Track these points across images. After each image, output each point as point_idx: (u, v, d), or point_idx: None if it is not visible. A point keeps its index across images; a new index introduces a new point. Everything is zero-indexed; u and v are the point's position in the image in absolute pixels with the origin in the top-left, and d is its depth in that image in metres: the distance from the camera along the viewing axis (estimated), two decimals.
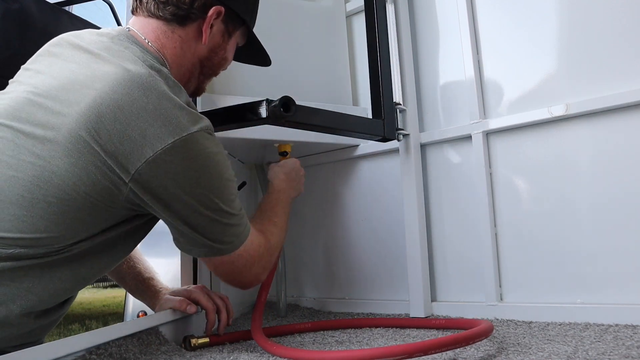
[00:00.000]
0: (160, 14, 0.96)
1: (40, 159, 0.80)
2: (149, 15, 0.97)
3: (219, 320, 1.12)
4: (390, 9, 1.42)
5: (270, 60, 1.17)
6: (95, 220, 0.85)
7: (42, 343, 0.96)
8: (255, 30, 1.14)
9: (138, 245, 1.06)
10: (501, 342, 0.97)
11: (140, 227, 0.96)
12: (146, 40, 0.95)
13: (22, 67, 0.96)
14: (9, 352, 0.85)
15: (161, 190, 0.83)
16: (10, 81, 0.95)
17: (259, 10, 1.13)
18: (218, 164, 0.89)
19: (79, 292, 1.00)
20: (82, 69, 0.86)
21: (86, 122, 0.79)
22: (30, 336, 0.91)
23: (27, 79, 0.91)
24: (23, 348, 0.87)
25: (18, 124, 0.83)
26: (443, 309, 1.32)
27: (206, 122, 0.88)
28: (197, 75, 1.04)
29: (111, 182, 0.82)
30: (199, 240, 0.91)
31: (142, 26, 0.97)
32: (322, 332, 1.22)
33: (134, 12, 1.00)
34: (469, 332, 0.88)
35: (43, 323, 0.91)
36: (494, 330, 1.03)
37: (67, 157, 0.80)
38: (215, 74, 1.09)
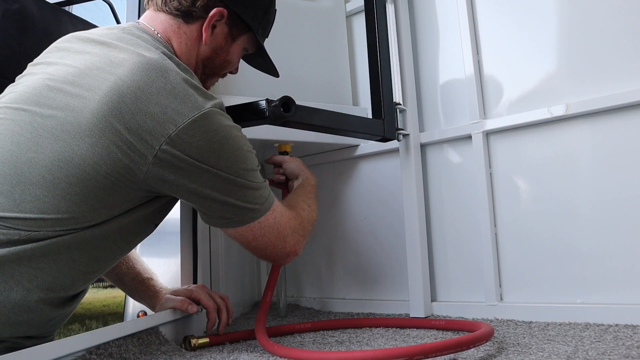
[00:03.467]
0: (166, 8, 1.00)
1: (60, 140, 0.82)
2: (158, 9, 1.01)
3: (219, 320, 1.12)
4: (390, 9, 1.42)
5: (279, 73, 1.19)
6: (116, 201, 0.87)
7: (53, 338, 0.97)
8: None
9: (137, 247, 1.07)
10: (501, 342, 0.97)
11: (155, 213, 0.97)
12: (155, 32, 0.99)
13: (30, 64, 0.98)
14: (24, 343, 0.86)
15: (186, 164, 0.85)
16: (18, 77, 0.97)
17: None
18: (237, 137, 0.91)
19: None
20: (97, 57, 0.89)
21: (108, 103, 0.82)
22: (45, 327, 0.92)
23: (40, 69, 0.93)
24: (38, 341, 0.89)
25: (37, 107, 0.85)
26: (443, 309, 1.32)
27: (219, 100, 0.90)
28: (199, 74, 1.06)
29: (132, 161, 0.83)
30: (230, 208, 0.92)
31: (152, 19, 1.01)
32: (322, 332, 1.22)
33: (145, 6, 1.04)
34: (470, 336, 0.88)
35: (57, 314, 0.92)
36: (494, 332, 1.03)
37: (89, 137, 0.81)
38: (218, 74, 1.11)
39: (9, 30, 1.22)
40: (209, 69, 1.07)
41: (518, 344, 0.95)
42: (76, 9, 1.67)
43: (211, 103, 0.87)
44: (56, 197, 0.82)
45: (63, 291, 0.89)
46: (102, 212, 0.86)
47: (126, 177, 0.84)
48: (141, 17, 1.03)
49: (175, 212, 1.13)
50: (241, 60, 1.19)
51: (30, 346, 0.72)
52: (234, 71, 1.14)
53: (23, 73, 0.96)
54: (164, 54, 0.91)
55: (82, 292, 0.98)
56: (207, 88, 1.12)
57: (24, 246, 0.82)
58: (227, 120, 0.91)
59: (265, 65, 1.17)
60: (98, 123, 0.81)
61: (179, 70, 0.88)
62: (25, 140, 0.83)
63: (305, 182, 1.25)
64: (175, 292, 1.14)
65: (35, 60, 0.97)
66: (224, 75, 1.13)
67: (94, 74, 0.85)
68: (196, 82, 0.90)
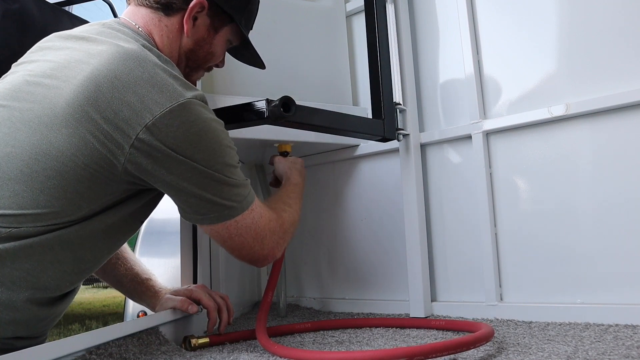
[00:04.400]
0: (147, 2, 1.00)
1: (37, 132, 0.82)
2: (138, 4, 1.01)
3: (219, 319, 1.12)
4: (390, 9, 1.42)
5: (265, 65, 1.18)
6: (95, 194, 0.86)
7: (45, 339, 0.96)
8: (256, 29, 1.14)
9: (137, 247, 1.06)
10: (501, 342, 0.97)
11: (140, 210, 0.97)
12: (136, 26, 0.99)
13: (14, 64, 0.97)
14: (14, 344, 0.86)
15: (163, 154, 0.84)
16: (1, 77, 0.97)
17: (260, 11, 1.13)
18: (216, 130, 0.90)
19: (79, 292, 1.00)
20: (76, 51, 0.89)
21: (84, 92, 0.81)
22: (35, 328, 0.91)
23: (22, 68, 0.93)
24: (29, 342, 0.88)
25: (15, 102, 0.85)
26: (443, 309, 1.32)
27: (200, 92, 0.89)
28: (183, 67, 1.05)
29: (109, 151, 0.82)
30: (205, 203, 0.90)
31: (133, 14, 1.01)
32: (322, 332, 1.22)
33: (127, 1, 1.04)
34: (470, 337, 0.88)
35: (46, 313, 0.91)
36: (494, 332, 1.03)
37: (65, 128, 0.81)
38: (203, 67, 1.10)
39: (9, 30, 1.22)
40: (193, 62, 1.06)
41: (518, 344, 0.95)
42: (76, 9, 1.67)
43: (191, 94, 0.86)
44: (35, 191, 0.81)
45: (50, 291, 0.88)
46: (82, 205, 0.85)
47: (104, 168, 0.83)
48: (122, 13, 1.03)
49: (175, 212, 1.13)
50: (235, 60, 1.19)
51: (21, 347, 0.71)
52: (220, 64, 1.13)
53: (7, 73, 0.96)
54: (144, 46, 0.91)
55: (72, 292, 0.97)
56: (193, 82, 1.11)
57: (5, 244, 0.81)
58: (208, 113, 0.90)
59: (252, 57, 1.16)
60: (74, 113, 0.81)
61: (158, 61, 0.87)
62: (3, 135, 0.83)
63: (287, 182, 1.24)
64: (175, 292, 1.14)
65: (19, 60, 0.97)
66: (209, 69, 1.13)
67: (72, 66, 0.85)
68: (177, 73, 0.90)
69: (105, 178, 0.85)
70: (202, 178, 0.88)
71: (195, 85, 1.13)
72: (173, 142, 0.84)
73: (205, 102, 0.91)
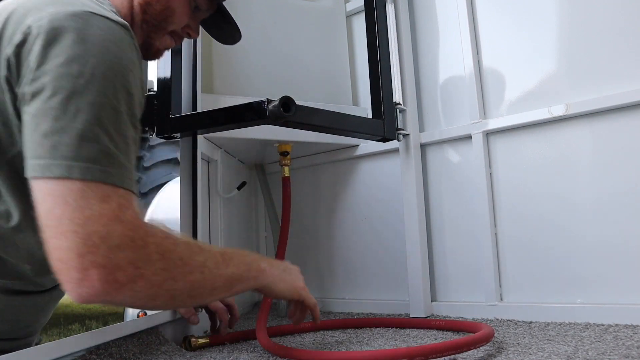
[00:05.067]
0: None
1: None
2: None
3: (220, 320, 1.13)
4: (390, 9, 1.42)
5: (240, 34, 1.06)
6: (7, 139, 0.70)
7: (32, 342, 0.92)
8: (256, 29, 1.13)
9: None
10: (501, 342, 0.97)
11: None
12: None
13: None
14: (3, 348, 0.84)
15: (31, 62, 0.65)
16: None
17: (260, 11, 1.12)
18: (121, 63, 0.68)
19: None
20: None
21: None
22: (17, 324, 0.84)
23: None
24: (15, 343, 0.84)
25: None
26: (443, 309, 1.32)
27: (127, 23, 0.73)
28: (139, 23, 0.90)
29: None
30: (37, 134, 0.62)
31: None
32: (322, 332, 1.22)
33: None
34: (470, 338, 0.88)
35: (23, 303, 0.83)
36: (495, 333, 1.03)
37: None
38: (165, 29, 0.93)
39: None
40: (150, 17, 0.89)
41: (518, 344, 0.95)
42: None
43: (110, 15, 0.70)
44: None
45: (15, 279, 0.79)
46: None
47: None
48: None
49: (175, 212, 1.13)
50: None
51: (6, 351, 0.66)
52: (192, 33, 0.98)
53: None
54: None
55: (54, 288, 0.88)
56: (156, 48, 0.96)
57: None
58: (128, 40, 0.71)
59: (229, 28, 1.05)
60: None
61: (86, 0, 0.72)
62: None
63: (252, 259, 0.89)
64: None
65: None
66: (177, 37, 0.97)
67: None
68: (112, 9, 0.76)
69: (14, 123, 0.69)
70: (57, 101, 0.62)
71: (162, 55, 0.99)
72: (44, 47, 0.65)
73: (133, 37, 0.73)
